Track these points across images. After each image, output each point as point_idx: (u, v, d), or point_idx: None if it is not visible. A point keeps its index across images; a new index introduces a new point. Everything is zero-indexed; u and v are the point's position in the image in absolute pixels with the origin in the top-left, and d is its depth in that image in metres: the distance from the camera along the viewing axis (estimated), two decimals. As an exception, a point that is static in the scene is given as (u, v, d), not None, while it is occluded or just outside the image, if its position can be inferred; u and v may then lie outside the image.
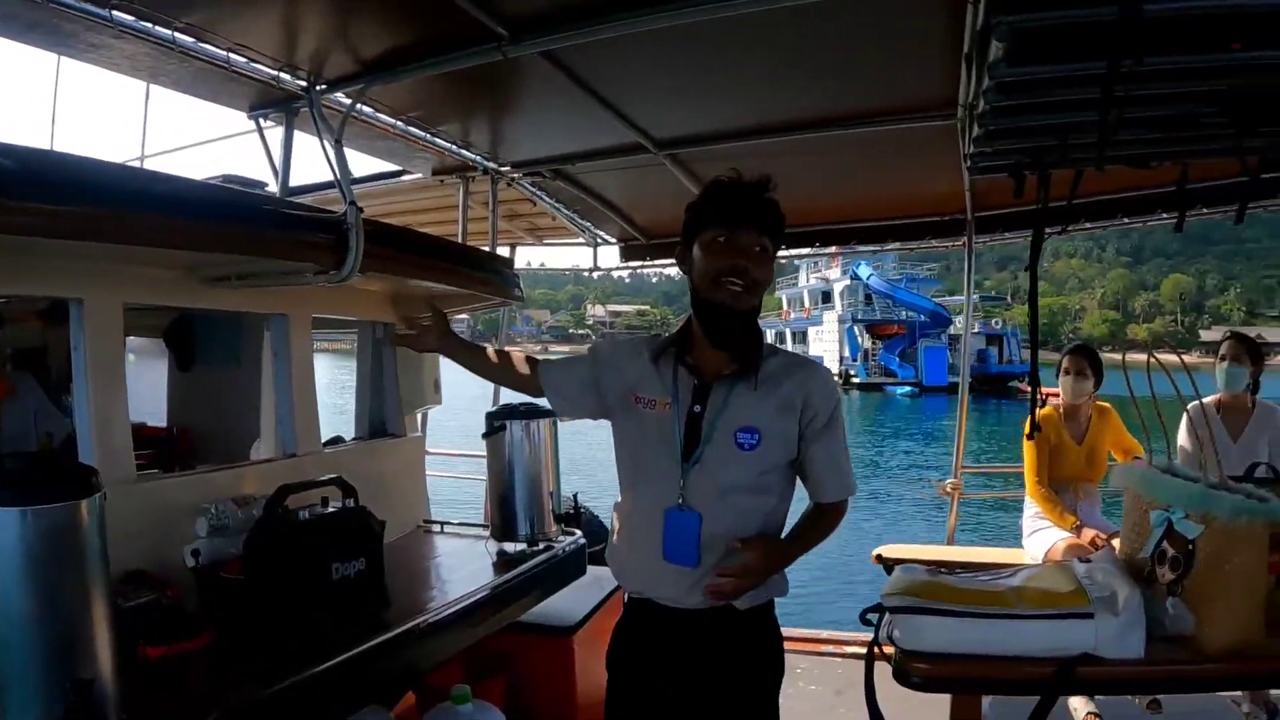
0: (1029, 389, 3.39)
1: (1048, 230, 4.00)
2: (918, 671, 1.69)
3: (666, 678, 1.89)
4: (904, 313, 50.34)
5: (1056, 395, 3.85)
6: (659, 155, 3.97)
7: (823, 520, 1.91)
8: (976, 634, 1.69)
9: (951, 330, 50.13)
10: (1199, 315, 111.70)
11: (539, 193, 4.85)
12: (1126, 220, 4.90)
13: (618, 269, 6.08)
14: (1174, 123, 2.83)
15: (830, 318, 51.79)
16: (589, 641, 3.24)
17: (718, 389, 1.89)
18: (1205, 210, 4.71)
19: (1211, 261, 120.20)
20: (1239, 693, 2.78)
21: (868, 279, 50.33)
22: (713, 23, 2.60)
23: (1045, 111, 2.51)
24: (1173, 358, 1.84)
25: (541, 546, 3.10)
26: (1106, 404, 4.11)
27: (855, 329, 50.42)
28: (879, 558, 4.37)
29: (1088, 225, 4.98)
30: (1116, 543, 2.03)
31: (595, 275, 6.88)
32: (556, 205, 5.06)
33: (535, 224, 5.78)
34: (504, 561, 2.99)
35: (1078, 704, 2.85)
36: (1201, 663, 1.63)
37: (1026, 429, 3.51)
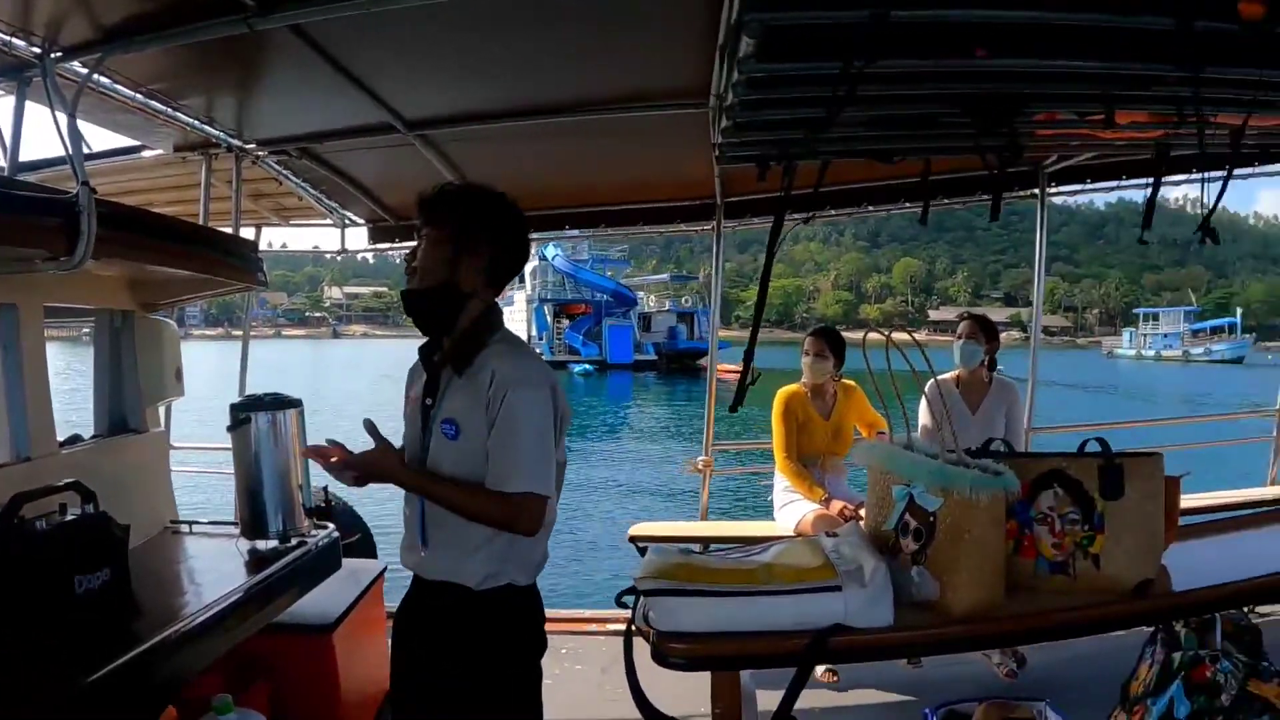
0: (721, 369, 3.57)
1: (795, 216, 4.25)
2: (675, 652, 1.70)
3: (423, 644, 2.09)
4: (592, 293, 52.48)
5: (734, 372, 4.10)
6: (409, 136, 3.88)
7: (481, 496, 1.98)
8: (730, 612, 1.72)
9: (641, 309, 54.03)
10: (928, 296, 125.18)
11: (285, 172, 4.63)
12: (871, 208, 5.32)
13: (364, 250, 5.93)
14: (919, 121, 3.08)
15: (520, 298, 52.83)
16: (350, 637, 3.17)
17: (442, 379, 2.09)
18: (946, 200, 5.20)
19: (943, 247, 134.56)
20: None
21: (553, 259, 52.03)
22: (467, 2, 2.60)
23: (792, 106, 2.64)
24: (905, 336, 1.96)
25: (294, 542, 2.97)
26: (852, 382, 4.43)
27: (544, 309, 52.31)
28: (634, 537, 4.46)
29: (833, 212, 5.35)
30: (864, 511, 2.16)
31: (339, 257, 6.65)
32: (303, 185, 4.85)
33: (281, 204, 5.54)
34: (256, 560, 2.85)
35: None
36: (947, 626, 1.75)
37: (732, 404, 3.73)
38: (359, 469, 2.04)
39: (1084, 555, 1.92)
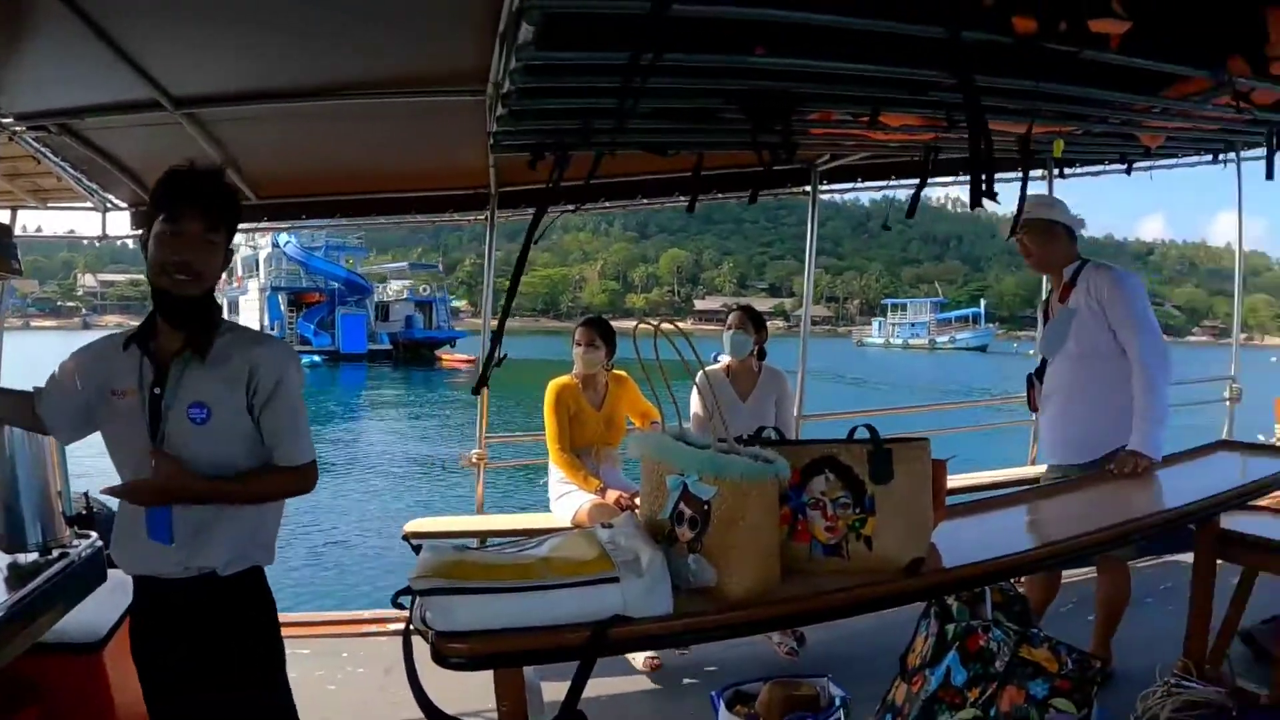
0: (451, 359, 3.57)
1: (562, 208, 4.28)
2: (454, 652, 1.68)
3: (171, 649, 2.11)
4: (326, 281, 51.67)
5: (469, 362, 4.10)
6: (176, 114, 3.68)
7: (279, 478, 2.16)
8: (509, 609, 1.71)
9: (378, 298, 54.08)
10: (695, 286, 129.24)
11: (44, 150, 4.28)
12: (645, 200, 5.41)
13: (126, 236, 5.56)
14: (697, 115, 3.14)
15: (253, 286, 52.11)
16: (121, 653, 2.92)
17: (174, 367, 2.10)
18: (720, 195, 5.34)
19: (711, 239, 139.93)
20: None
21: (285, 246, 50.89)
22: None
23: (569, 96, 2.66)
24: (673, 327, 2.00)
25: (56, 554, 2.79)
26: (623, 373, 4.51)
27: (278, 297, 51.03)
28: (409, 534, 4.40)
29: (607, 204, 5.41)
30: (639, 500, 2.20)
31: (98, 243, 6.26)
32: (62, 164, 4.51)
33: (39, 185, 5.12)
34: (16, 575, 2.65)
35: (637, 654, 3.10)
36: (725, 612, 1.79)
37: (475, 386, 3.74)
38: (156, 495, 2.04)
39: (856, 537, 2.00)
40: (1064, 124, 3.94)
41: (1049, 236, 3.82)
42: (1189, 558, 3.95)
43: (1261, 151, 5.56)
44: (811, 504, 2.02)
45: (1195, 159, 5.90)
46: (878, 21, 2.44)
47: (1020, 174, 4.01)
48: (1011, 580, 2.80)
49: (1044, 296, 4.08)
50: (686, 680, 3.89)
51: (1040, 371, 3.93)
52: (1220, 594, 3.76)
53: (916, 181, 4.30)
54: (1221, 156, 5.84)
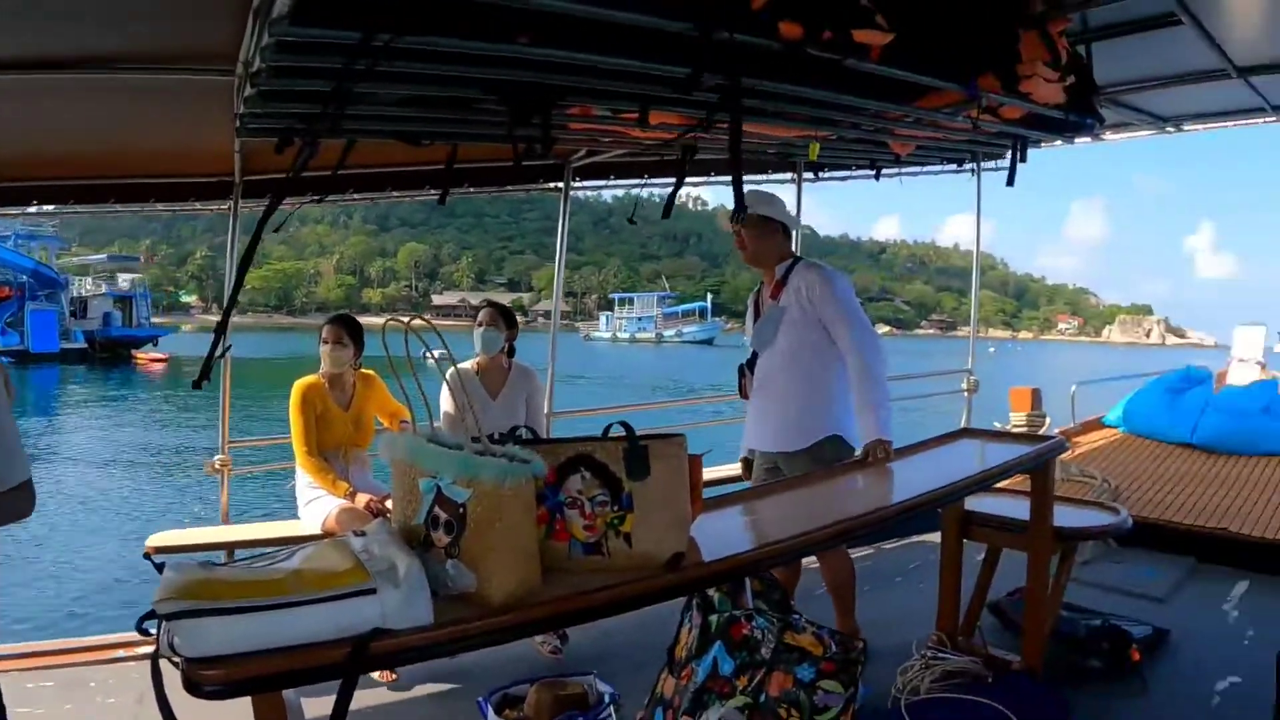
0: (146, 359, 3.45)
1: (315, 198, 4.15)
2: (206, 679, 1.59)
3: None
4: (13, 274, 47.42)
5: (161, 361, 3.99)
6: None
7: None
8: (262, 629, 1.64)
9: (75, 292, 50.59)
10: (432, 281, 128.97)
11: None
12: (396, 193, 5.33)
13: None
14: (454, 104, 3.10)
15: None
16: None
17: None
18: (473, 189, 5.31)
19: (452, 233, 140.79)
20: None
21: None
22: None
23: (322, 77, 2.57)
24: (422, 323, 1.97)
25: None
26: (371, 371, 4.45)
27: None
28: (152, 551, 4.19)
29: (356, 196, 5.30)
30: (390, 503, 2.16)
31: None
32: None
33: None
34: None
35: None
36: (489, 617, 1.79)
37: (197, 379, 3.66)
38: None
39: (616, 534, 2.04)
40: (820, 129, 4.16)
41: (765, 232, 4.03)
42: (936, 537, 4.28)
43: (997, 162, 6.13)
44: (569, 503, 2.05)
45: (940, 167, 6.38)
46: (646, 18, 2.49)
47: (791, 176, 4.24)
48: (770, 570, 2.94)
49: (756, 290, 4.27)
50: (450, 686, 3.87)
51: (752, 362, 4.15)
52: (967, 570, 4.10)
53: (674, 181, 4.42)
54: (966, 165, 6.36)
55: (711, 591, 2.71)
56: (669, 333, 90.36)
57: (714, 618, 2.67)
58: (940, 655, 3.72)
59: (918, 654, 3.74)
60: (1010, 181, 4.73)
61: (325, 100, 2.66)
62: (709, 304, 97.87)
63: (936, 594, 4.09)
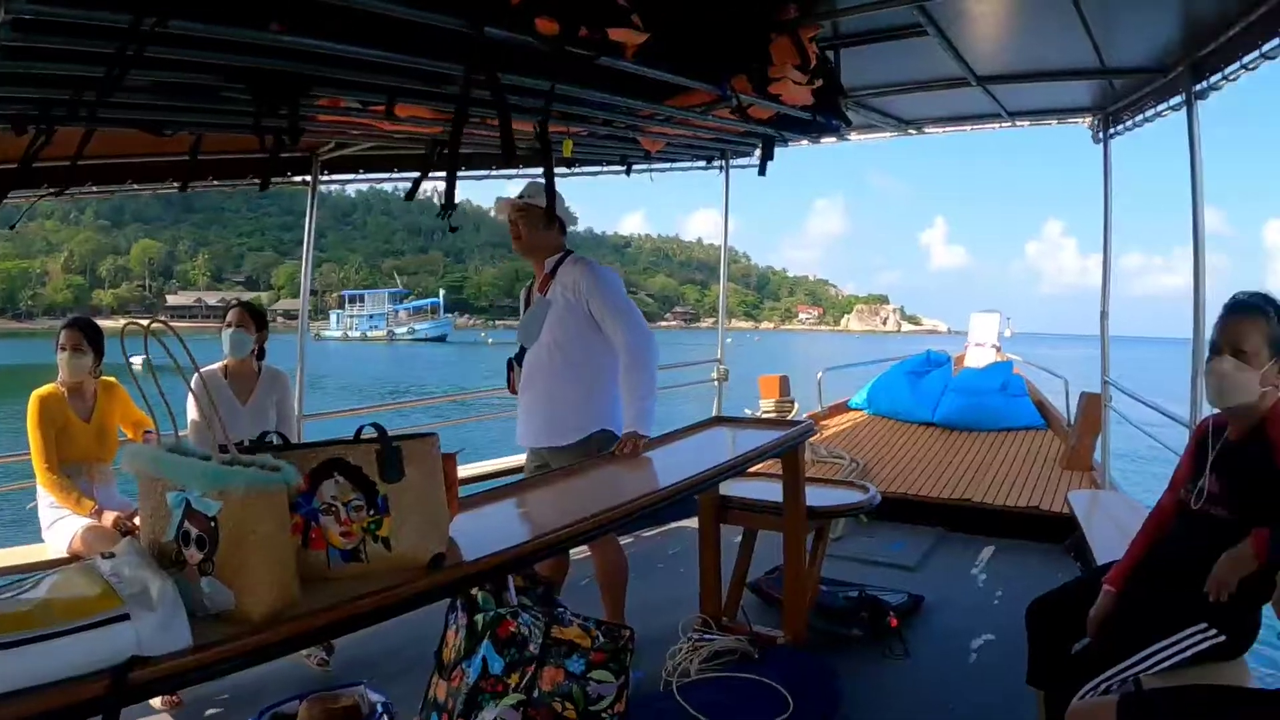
0: None
1: (51, 190, 3.90)
2: None
3: None
4: None
5: None
6: None
7: None
8: (11, 667, 1.54)
9: None
10: (167, 280, 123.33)
11: None
12: (136, 185, 5.08)
13: None
14: (199, 92, 3.00)
15: None
16: None
17: None
18: (216, 182, 5.13)
19: (188, 229, 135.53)
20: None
21: None
22: None
23: (61, 60, 2.45)
24: (162, 325, 1.91)
25: None
26: (113, 379, 4.25)
27: None
28: None
29: (95, 189, 5.02)
30: (139, 520, 2.09)
31: None
32: None
33: None
34: None
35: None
36: (249, 636, 1.75)
37: None
38: None
39: (374, 539, 2.05)
40: (573, 125, 4.27)
41: (541, 224, 4.07)
42: (694, 523, 4.49)
43: (745, 160, 6.47)
44: (324, 510, 2.04)
45: (690, 163, 6.66)
46: (401, 8, 2.51)
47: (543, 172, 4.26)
48: (532, 566, 3.01)
49: (528, 284, 4.33)
50: (212, 711, 3.75)
51: (520, 357, 4.19)
52: (726, 553, 4.33)
53: (416, 175, 4.42)
54: (715, 162, 6.68)
55: (474, 591, 2.75)
56: (401, 330, 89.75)
57: (479, 617, 2.71)
58: (706, 637, 3.92)
59: (685, 637, 3.92)
60: (762, 171, 5.01)
61: (65, 85, 2.53)
62: (441, 300, 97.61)
63: (698, 578, 4.31)
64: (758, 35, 3.66)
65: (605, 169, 6.55)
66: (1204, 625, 2.58)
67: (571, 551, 4.17)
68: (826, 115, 4.40)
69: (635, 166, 6.21)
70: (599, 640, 2.82)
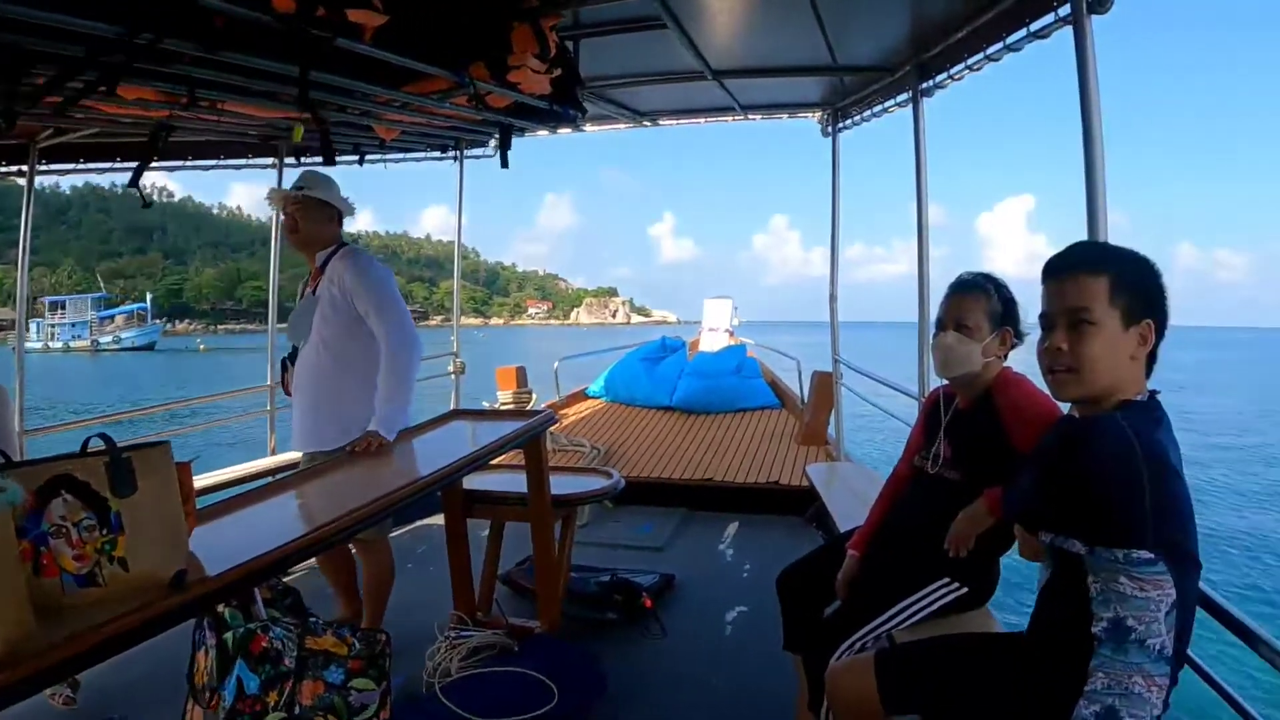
0: None
1: None
2: None
3: None
4: None
5: None
6: None
7: None
8: None
9: None
10: None
11: None
12: None
13: None
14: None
15: None
16: None
17: None
18: None
19: None
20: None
21: None
22: None
23: None
24: None
25: None
26: None
27: None
28: None
29: None
30: None
31: None
32: None
33: None
34: None
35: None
36: None
37: None
38: None
39: (110, 560, 1.90)
40: (303, 110, 4.10)
41: (319, 215, 3.94)
42: (440, 520, 4.44)
43: (480, 151, 6.45)
44: (54, 532, 1.86)
45: (424, 154, 6.57)
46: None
47: (273, 161, 4.08)
48: (279, 575, 2.87)
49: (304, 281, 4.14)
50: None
51: (295, 356, 4.03)
52: (476, 548, 4.31)
53: (137, 165, 4.12)
54: (449, 152, 6.61)
55: (221, 607, 2.59)
56: (105, 339, 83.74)
57: (229, 635, 2.57)
58: (464, 634, 3.90)
59: (442, 636, 3.87)
60: (504, 163, 4.98)
61: None
62: (149, 305, 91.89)
63: (449, 575, 4.27)
64: (498, 22, 3.64)
65: (339, 159, 6.33)
66: (946, 580, 2.81)
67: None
68: (564, 105, 4.43)
69: (369, 156, 6.06)
70: (355, 647, 2.75)
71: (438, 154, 6.79)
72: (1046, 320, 2.01)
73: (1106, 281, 1.93)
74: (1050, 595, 2.06)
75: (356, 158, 6.09)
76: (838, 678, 2.43)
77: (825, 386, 8.07)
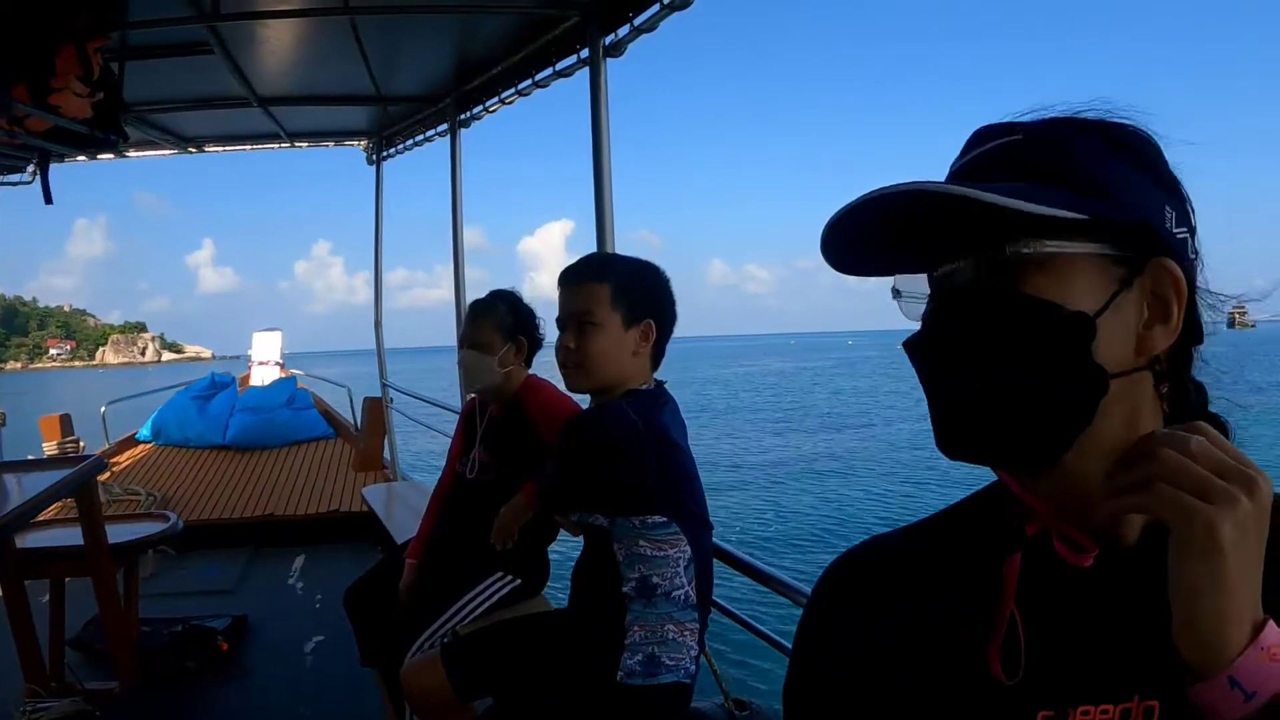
0: None
1: None
2: None
3: None
4: None
5: None
6: None
7: None
8: None
9: None
10: None
11: None
12: None
13: None
14: None
15: None
16: None
17: None
18: None
19: None
20: None
21: None
22: None
23: None
24: None
25: None
26: None
27: None
28: None
29: None
30: None
31: None
32: None
33: None
34: None
35: None
36: None
37: None
38: None
39: None
40: None
41: None
42: None
43: (16, 177, 5.94)
44: None
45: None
46: None
47: None
48: None
49: None
50: None
51: None
52: (43, 612, 4.04)
53: None
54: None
55: None
56: None
57: None
58: (41, 706, 3.64)
59: (19, 712, 3.61)
60: (47, 198, 4.66)
61: None
62: None
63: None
64: (41, 42, 3.48)
65: None
66: (500, 574, 3.08)
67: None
68: (105, 130, 4.25)
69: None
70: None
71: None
72: (560, 323, 2.27)
73: (609, 288, 2.22)
74: (583, 569, 2.30)
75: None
76: (411, 678, 2.65)
77: (376, 411, 8.29)
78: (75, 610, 4.35)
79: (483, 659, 2.56)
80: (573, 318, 2.23)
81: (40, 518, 3.87)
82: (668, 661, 2.06)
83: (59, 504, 3.82)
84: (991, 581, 0.79)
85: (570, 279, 2.28)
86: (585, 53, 3.80)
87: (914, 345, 0.81)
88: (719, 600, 2.45)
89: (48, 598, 4.22)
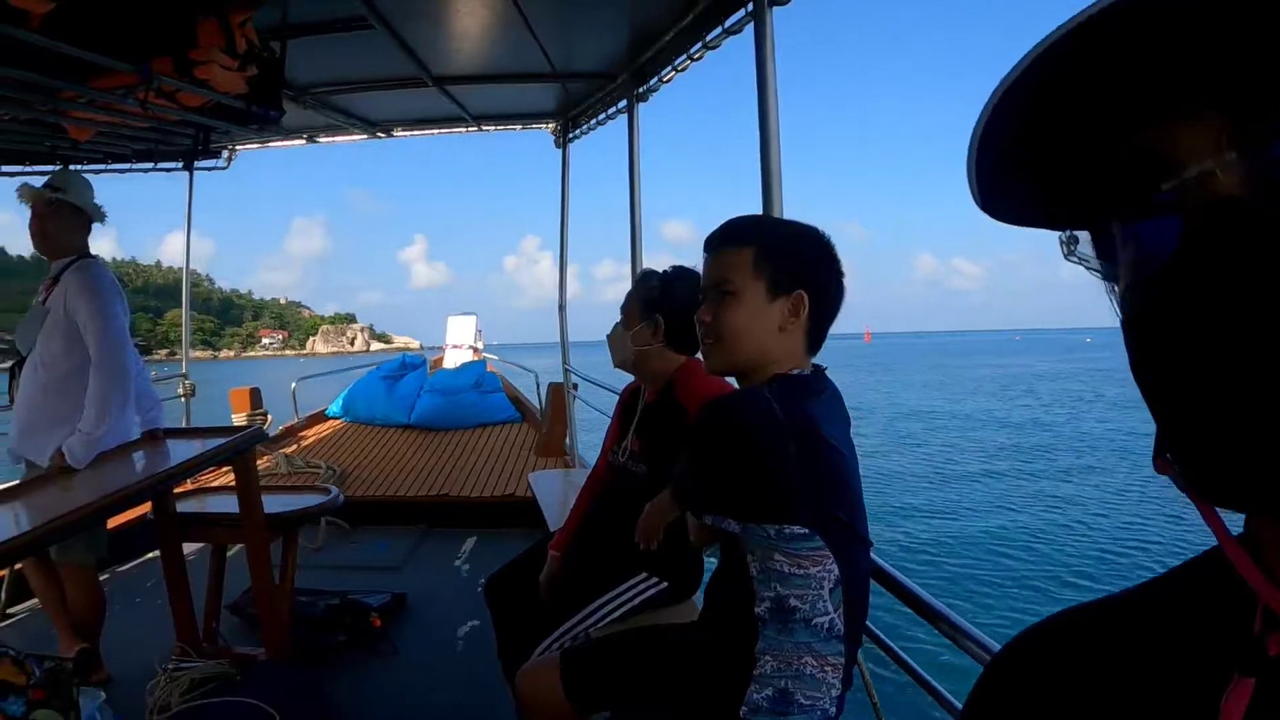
0: None
1: None
2: None
3: None
4: None
5: None
6: None
7: None
8: None
9: None
10: None
11: None
12: None
13: None
14: None
15: None
16: None
17: None
18: None
19: None
20: None
21: None
22: None
23: None
24: None
25: None
26: None
27: None
28: None
29: None
30: None
31: None
32: None
33: None
34: None
35: None
36: None
37: None
38: None
39: None
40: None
41: (69, 221, 3.78)
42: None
43: (211, 163, 6.16)
44: None
45: (150, 165, 6.18)
46: None
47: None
48: None
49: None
50: None
51: (23, 364, 3.83)
52: (203, 575, 4.10)
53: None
54: (164, 164, 6.23)
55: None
56: None
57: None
58: (184, 666, 3.69)
59: (161, 670, 3.68)
60: (185, 169, 4.77)
61: None
62: None
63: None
64: (182, 14, 3.49)
65: (30, 168, 5.90)
66: (644, 575, 2.87)
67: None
68: (262, 105, 4.29)
69: (74, 166, 5.60)
70: (35, 675, 2.57)
71: (149, 166, 6.35)
72: (702, 295, 1.98)
73: (751, 253, 1.88)
74: (719, 579, 2.07)
75: (58, 166, 5.51)
76: (526, 680, 2.41)
77: (558, 397, 8.24)
78: (239, 577, 4.43)
79: (603, 669, 2.30)
80: (711, 287, 1.92)
81: (213, 484, 3.92)
82: (802, 700, 1.66)
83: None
84: (1205, 715, 0.50)
85: (712, 244, 1.97)
86: (751, 5, 3.53)
87: (1145, 318, 0.50)
88: (876, 630, 2.12)
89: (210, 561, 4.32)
